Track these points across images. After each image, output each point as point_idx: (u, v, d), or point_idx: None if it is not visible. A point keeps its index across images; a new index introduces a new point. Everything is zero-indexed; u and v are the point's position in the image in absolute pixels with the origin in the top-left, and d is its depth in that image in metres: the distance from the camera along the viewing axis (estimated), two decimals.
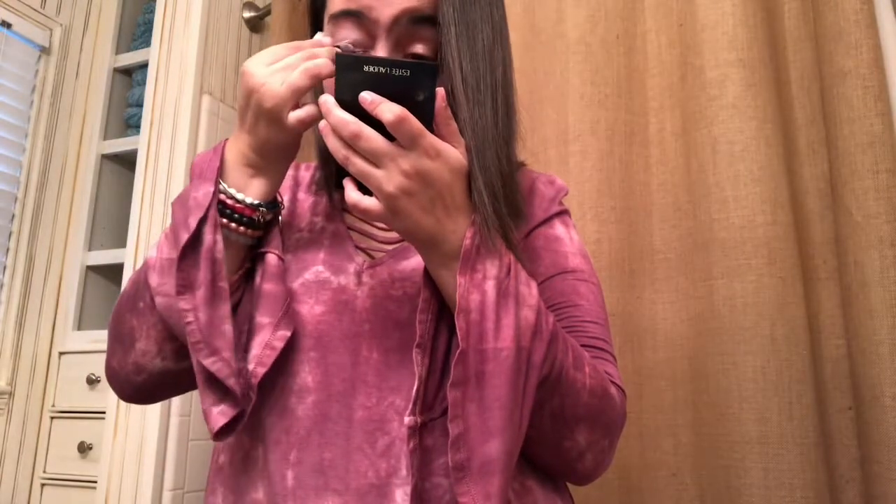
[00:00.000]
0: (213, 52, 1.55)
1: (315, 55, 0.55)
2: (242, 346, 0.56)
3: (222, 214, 0.56)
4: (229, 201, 0.56)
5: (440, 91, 0.49)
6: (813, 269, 1.06)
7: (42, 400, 1.60)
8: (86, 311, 1.66)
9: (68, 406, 1.57)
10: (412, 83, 0.48)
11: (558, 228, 0.68)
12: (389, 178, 0.48)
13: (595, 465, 0.59)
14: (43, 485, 1.54)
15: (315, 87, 0.65)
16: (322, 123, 0.50)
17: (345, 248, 0.63)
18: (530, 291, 0.53)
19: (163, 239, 0.57)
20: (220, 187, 0.56)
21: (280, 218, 0.62)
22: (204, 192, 0.55)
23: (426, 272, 0.54)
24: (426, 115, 0.49)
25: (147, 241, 1.43)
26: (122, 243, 1.59)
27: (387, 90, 0.48)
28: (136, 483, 1.29)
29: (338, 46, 0.58)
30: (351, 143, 0.48)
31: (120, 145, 1.73)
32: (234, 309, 0.58)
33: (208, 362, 0.53)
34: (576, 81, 1.20)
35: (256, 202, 0.57)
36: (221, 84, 1.57)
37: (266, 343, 0.56)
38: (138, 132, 1.61)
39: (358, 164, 0.49)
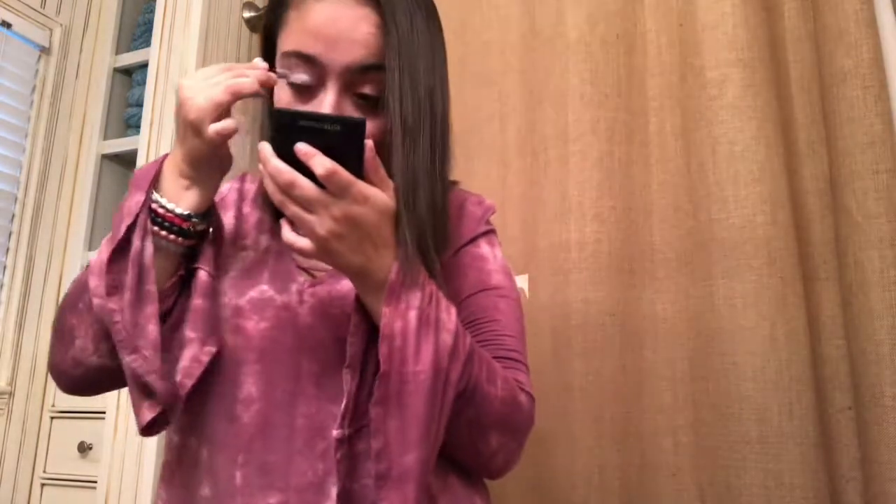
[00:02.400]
0: (213, 52, 1.55)
1: (242, 74, 0.60)
2: (175, 355, 0.61)
3: (154, 223, 0.60)
4: (160, 210, 0.60)
5: (369, 143, 0.54)
6: (813, 269, 1.06)
7: (42, 400, 1.60)
8: None
9: (68, 406, 1.57)
10: (343, 135, 0.53)
11: (483, 247, 0.73)
12: (321, 223, 0.53)
13: (505, 464, 0.66)
14: (43, 485, 1.54)
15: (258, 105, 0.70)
16: (261, 166, 0.54)
17: (287, 268, 0.68)
18: (449, 317, 0.59)
19: (103, 244, 0.61)
20: (153, 196, 0.60)
21: (213, 231, 0.65)
22: (136, 201, 0.59)
23: (357, 298, 0.59)
24: (356, 163, 0.53)
25: None
26: None
27: (320, 141, 0.52)
28: (136, 483, 1.29)
29: (274, 71, 0.63)
30: (286, 190, 0.53)
31: (120, 145, 1.73)
32: (169, 314, 0.62)
33: (129, 359, 0.57)
34: (576, 81, 1.20)
35: (187, 213, 0.61)
36: None
37: (193, 357, 0.61)
38: (138, 132, 1.61)
39: (292, 209, 0.53)
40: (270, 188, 0.53)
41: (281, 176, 0.52)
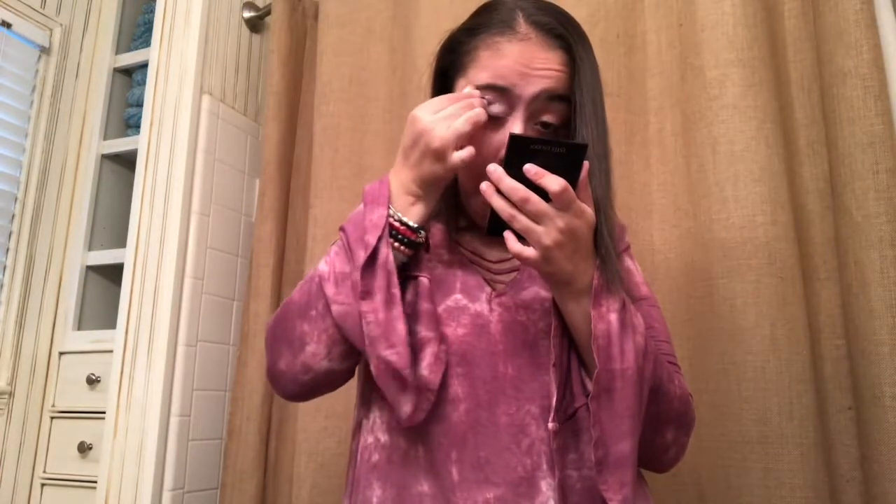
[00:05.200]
0: (213, 52, 1.55)
1: (472, 105, 0.66)
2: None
3: (390, 234, 0.66)
4: (396, 223, 0.67)
5: (586, 164, 0.61)
6: (813, 269, 1.06)
7: (42, 400, 1.60)
8: (86, 311, 1.66)
9: (68, 406, 1.56)
10: (566, 157, 0.59)
11: (627, 262, 0.79)
12: (548, 234, 0.60)
13: (676, 457, 0.74)
14: (43, 485, 1.54)
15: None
16: (484, 185, 0.61)
17: (476, 279, 0.73)
18: (639, 321, 0.66)
19: (332, 255, 0.69)
20: (390, 212, 0.67)
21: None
22: (378, 215, 0.66)
23: (554, 303, 0.67)
24: (573, 181, 0.60)
25: (147, 240, 1.43)
26: (122, 243, 1.59)
27: (541, 162, 0.59)
28: (136, 483, 1.29)
29: (484, 97, 0.68)
30: (519, 205, 0.60)
31: (120, 145, 1.73)
32: None
33: (387, 353, 0.63)
34: None
35: (416, 225, 0.68)
36: (221, 84, 1.57)
37: (434, 354, 0.67)
38: (138, 132, 1.61)
39: (523, 221, 0.60)
40: (499, 204, 0.60)
41: (517, 193, 0.59)
